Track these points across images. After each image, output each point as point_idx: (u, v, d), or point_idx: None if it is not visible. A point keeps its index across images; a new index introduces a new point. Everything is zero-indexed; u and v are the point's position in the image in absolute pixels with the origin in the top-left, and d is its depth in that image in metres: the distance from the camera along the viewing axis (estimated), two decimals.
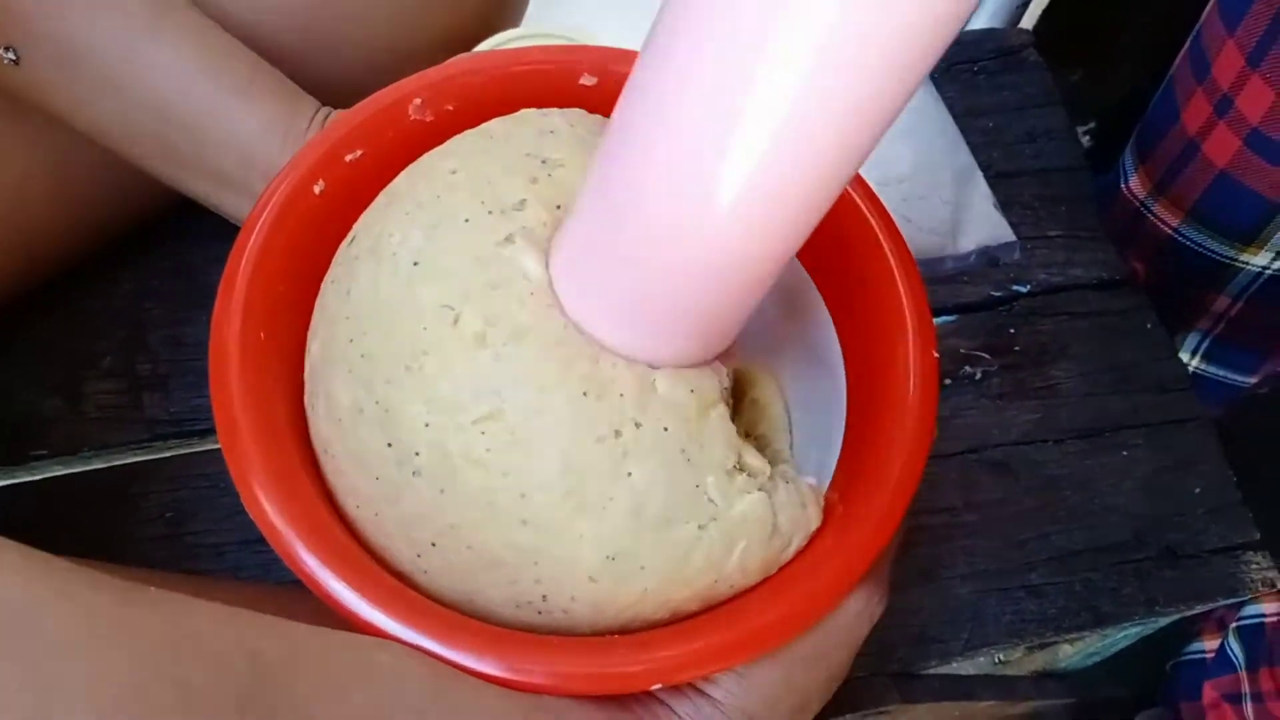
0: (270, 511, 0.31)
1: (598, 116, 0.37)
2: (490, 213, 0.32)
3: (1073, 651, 0.63)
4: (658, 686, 0.31)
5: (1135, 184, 0.64)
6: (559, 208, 0.32)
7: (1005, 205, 0.62)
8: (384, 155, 0.37)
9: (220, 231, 0.56)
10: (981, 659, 0.61)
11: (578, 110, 0.36)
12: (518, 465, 0.30)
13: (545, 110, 0.36)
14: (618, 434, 0.30)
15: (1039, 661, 0.65)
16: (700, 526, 0.31)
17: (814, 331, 0.40)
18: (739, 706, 0.33)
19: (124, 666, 0.23)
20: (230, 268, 0.35)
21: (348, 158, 0.37)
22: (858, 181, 0.38)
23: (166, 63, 0.44)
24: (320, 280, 0.36)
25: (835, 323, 0.40)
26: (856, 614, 0.34)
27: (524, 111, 0.36)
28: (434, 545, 0.31)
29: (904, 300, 0.36)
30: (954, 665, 0.54)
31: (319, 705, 0.26)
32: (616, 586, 0.31)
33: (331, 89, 0.48)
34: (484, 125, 0.36)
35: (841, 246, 0.38)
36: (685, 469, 0.31)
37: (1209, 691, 0.74)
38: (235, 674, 0.25)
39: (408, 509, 0.31)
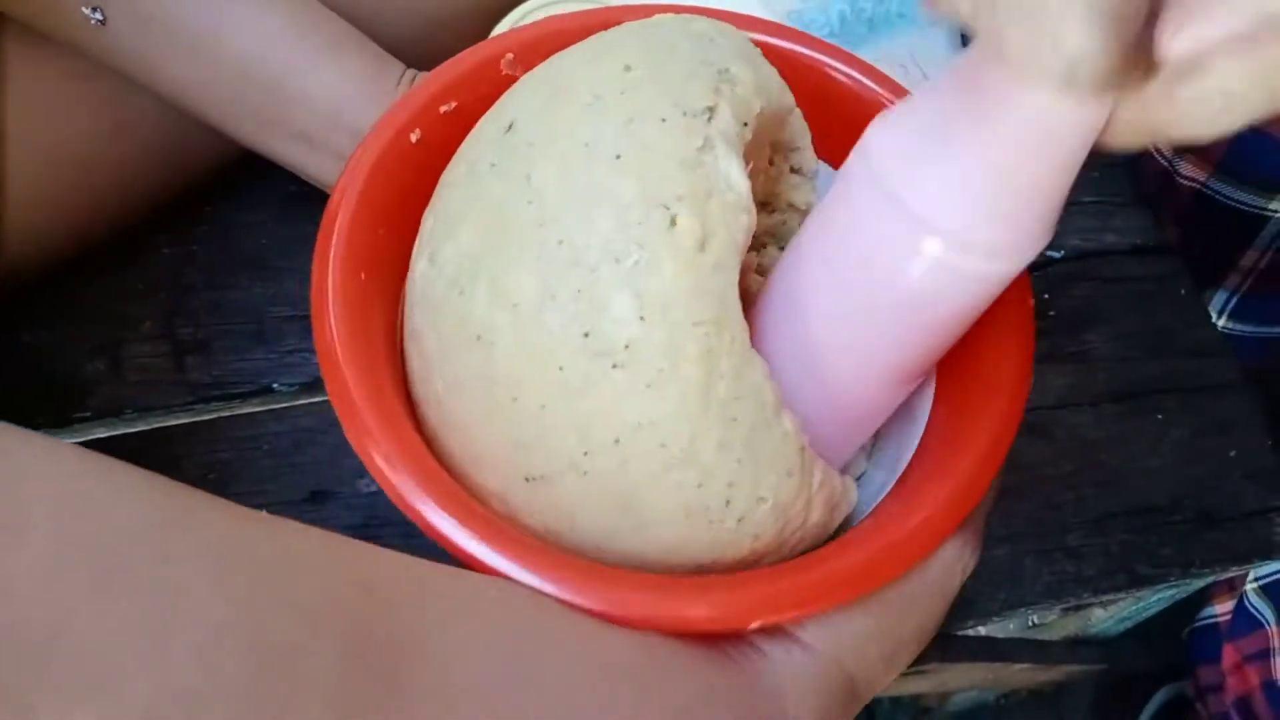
0: (381, 462, 0.31)
1: (729, 26, 0.36)
2: (685, 115, 0.31)
3: (1105, 615, 0.63)
4: (755, 625, 0.31)
5: (1162, 144, 0.64)
6: (745, 124, 0.32)
7: None
8: (476, 107, 0.37)
9: (259, 197, 0.56)
10: (1015, 623, 0.62)
11: (708, 18, 0.36)
12: (736, 370, 0.30)
13: (686, 15, 0.36)
14: None
15: (1071, 626, 0.65)
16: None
17: None
18: (829, 652, 0.33)
19: (241, 586, 0.23)
20: (330, 209, 0.35)
21: (442, 109, 0.38)
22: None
23: (252, 23, 0.44)
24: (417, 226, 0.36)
25: None
26: (949, 564, 0.34)
27: (660, 17, 0.36)
28: (618, 442, 0.30)
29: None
30: (988, 628, 0.55)
31: (435, 630, 0.26)
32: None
33: None
34: (628, 24, 0.35)
35: None
36: None
37: (1229, 654, 0.74)
38: (347, 598, 0.25)
39: (595, 403, 0.29)
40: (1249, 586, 0.72)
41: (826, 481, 0.33)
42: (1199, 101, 0.24)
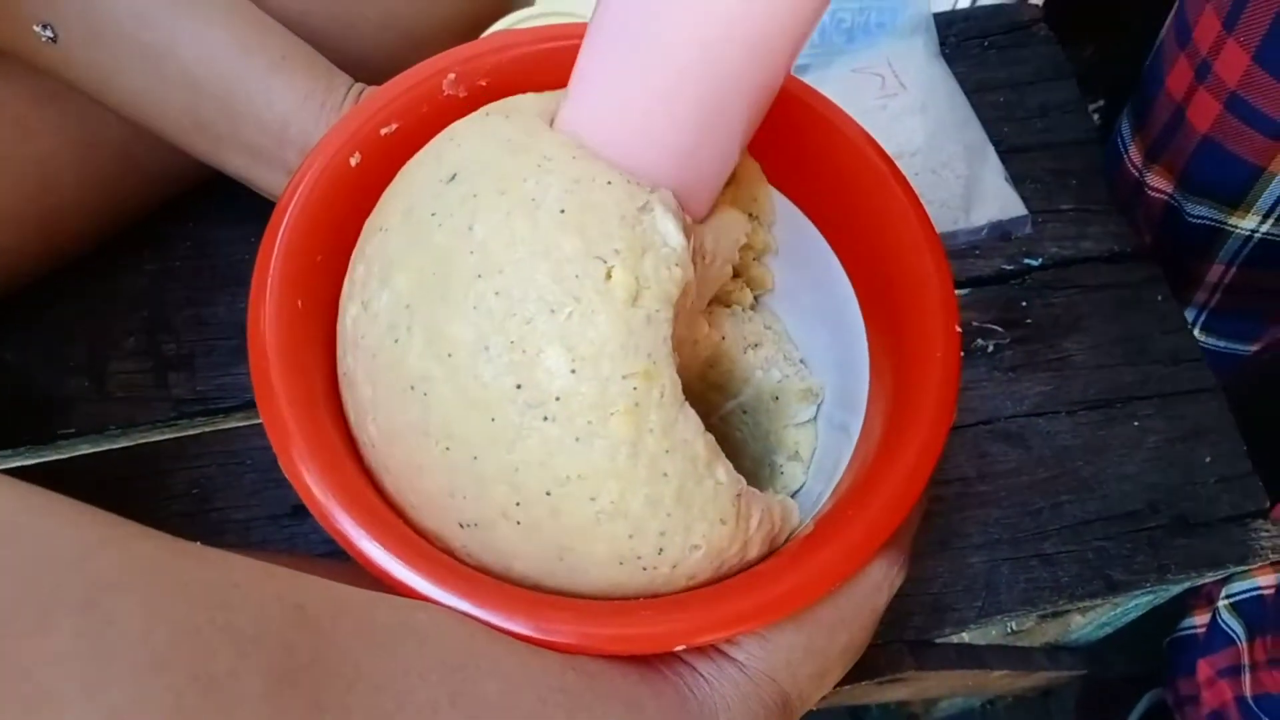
0: (310, 479, 0.32)
1: None
2: (629, 181, 0.32)
3: (1084, 622, 0.64)
4: (681, 648, 0.32)
5: (1133, 154, 0.64)
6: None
7: (1017, 179, 0.62)
8: (418, 129, 0.38)
9: (240, 213, 0.57)
10: (995, 630, 0.62)
11: None
12: (665, 425, 0.31)
13: None
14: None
15: (1051, 633, 0.65)
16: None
17: (834, 298, 0.41)
18: (761, 669, 0.34)
19: (177, 609, 0.23)
20: (268, 237, 0.36)
21: (383, 131, 0.38)
22: (882, 155, 0.39)
23: (201, 39, 0.44)
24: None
25: (857, 292, 0.40)
26: (877, 582, 0.35)
27: None
28: (548, 494, 0.30)
29: (929, 274, 0.37)
30: (968, 635, 0.55)
31: (364, 656, 0.27)
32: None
33: (349, 68, 0.49)
34: None
35: (865, 215, 0.39)
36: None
37: (1204, 668, 0.74)
38: (282, 623, 0.26)
39: (526, 455, 0.30)
40: (1221, 603, 0.73)
41: (766, 520, 0.34)
42: None
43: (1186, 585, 0.57)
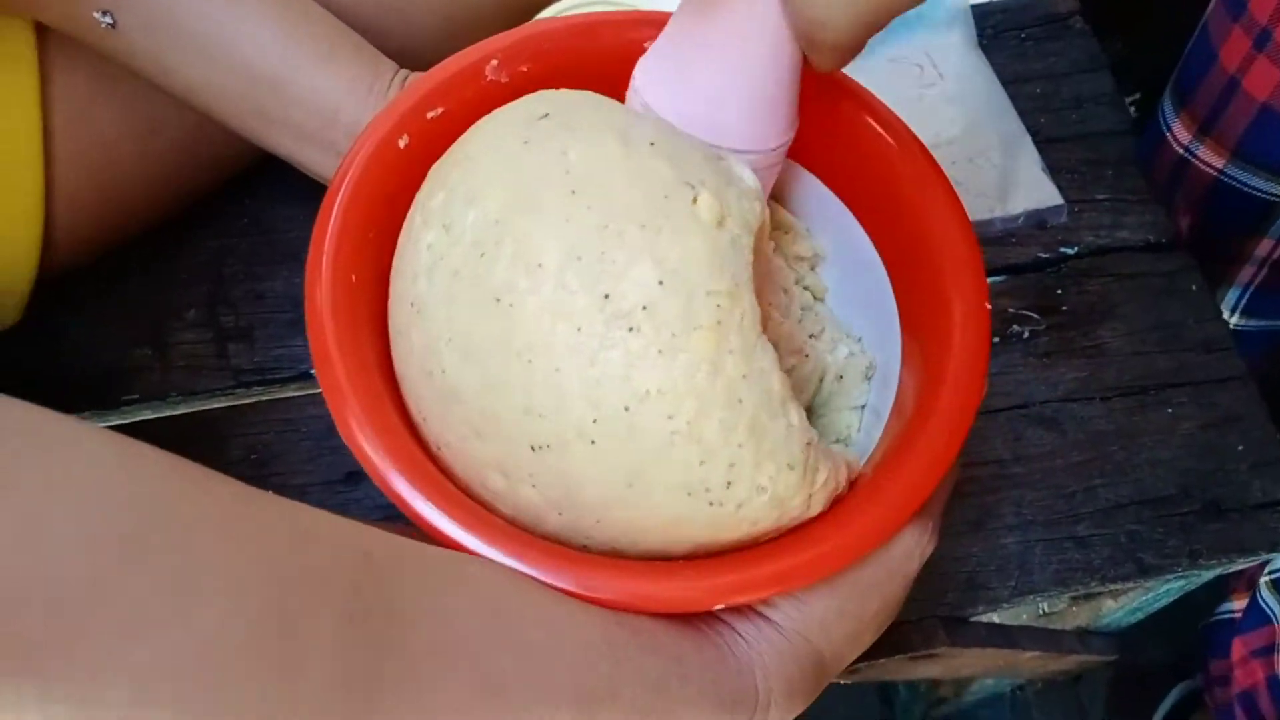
0: (366, 444, 0.34)
1: None
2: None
3: (1116, 606, 0.65)
4: (720, 607, 0.33)
5: (1178, 130, 0.64)
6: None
7: (1053, 169, 0.63)
8: (463, 112, 0.39)
9: (295, 192, 0.59)
10: (1026, 612, 0.63)
11: None
12: (745, 349, 0.32)
13: None
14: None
15: (1083, 616, 0.66)
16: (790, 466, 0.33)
17: (870, 281, 0.42)
18: (796, 629, 0.35)
19: (257, 547, 0.25)
20: (322, 216, 0.37)
21: (429, 114, 0.40)
22: (917, 143, 0.40)
23: (254, 27, 0.46)
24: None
25: (889, 274, 0.41)
26: (908, 549, 0.36)
27: None
28: (627, 409, 0.31)
29: (959, 249, 0.38)
30: (1000, 616, 0.56)
31: (423, 599, 0.29)
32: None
33: (393, 55, 0.50)
34: None
35: (899, 202, 0.40)
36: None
37: (1238, 648, 0.75)
38: (351, 566, 0.27)
39: (608, 369, 0.31)
40: (1262, 580, 0.73)
41: (831, 478, 0.35)
42: None
43: (1218, 571, 0.58)
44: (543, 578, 0.32)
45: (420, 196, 0.37)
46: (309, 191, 0.58)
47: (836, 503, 0.35)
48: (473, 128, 0.37)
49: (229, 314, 0.55)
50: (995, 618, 0.61)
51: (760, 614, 0.36)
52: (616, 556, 0.34)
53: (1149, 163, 0.65)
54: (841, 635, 0.36)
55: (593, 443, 0.31)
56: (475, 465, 0.34)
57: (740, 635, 0.35)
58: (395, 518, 0.33)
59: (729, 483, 0.32)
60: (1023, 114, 0.64)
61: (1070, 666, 0.69)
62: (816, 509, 0.35)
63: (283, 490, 0.50)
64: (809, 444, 0.33)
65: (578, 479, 0.32)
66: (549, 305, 0.31)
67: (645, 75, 0.36)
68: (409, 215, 0.37)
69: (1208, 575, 0.60)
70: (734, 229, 0.32)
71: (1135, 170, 0.64)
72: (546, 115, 0.34)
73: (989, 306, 0.37)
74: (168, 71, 0.48)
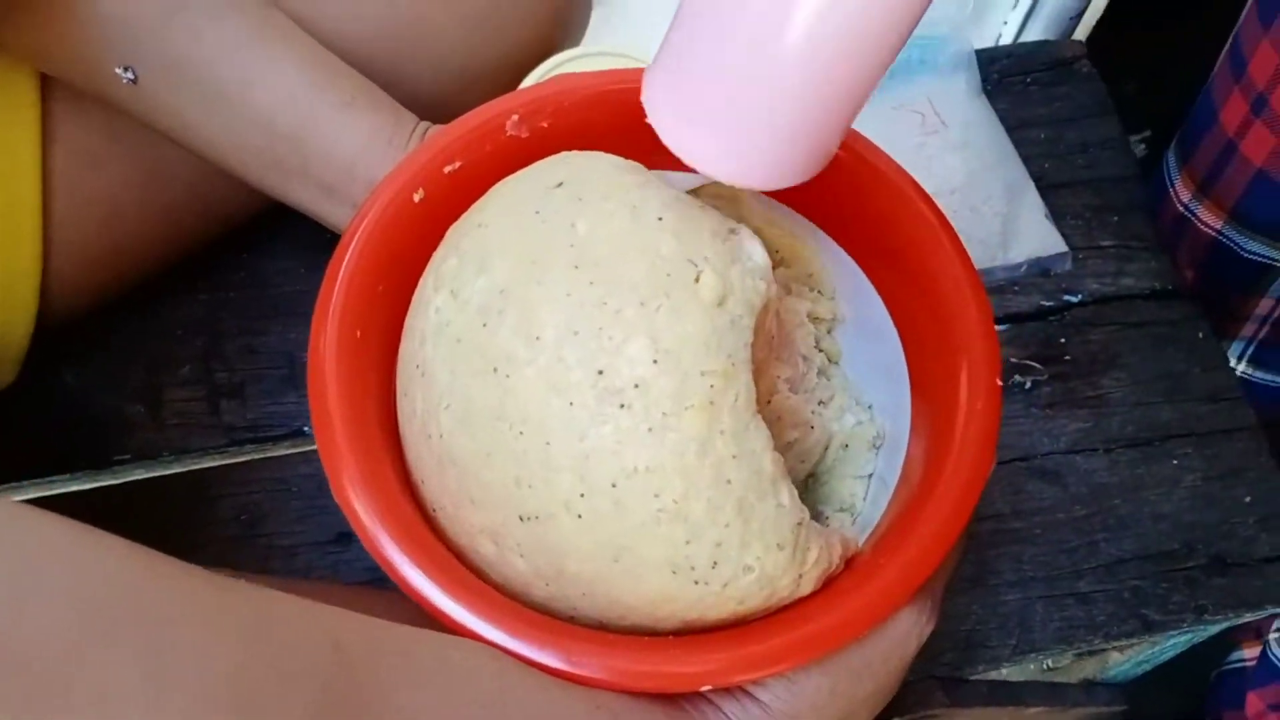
0: (359, 506, 0.33)
1: None
2: (717, 206, 0.35)
3: (1122, 659, 0.64)
4: (707, 688, 0.33)
5: (1180, 187, 0.64)
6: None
7: (1057, 215, 0.62)
8: (481, 167, 0.39)
9: (293, 245, 0.59)
10: (1031, 665, 0.62)
11: None
12: (737, 431, 0.32)
13: None
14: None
15: (1088, 669, 0.65)
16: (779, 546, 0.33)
17: (881, 343, 0.41)
18: (785, 711, 0.34)
19: (226, 645, 0.25)
20: (332, 267, 0.37)
21: (447, 169, 0.39)
22: (924, 198, 0.40)
23: (274, 80, 0.46)
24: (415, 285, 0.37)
25: (901, 337, 0.41)
26: (906, 630, 0.35)
27: None
28: (614, 485, 0.31)
29: (972, 320, 0.37)
30: (1003, 672, 0.55)
31: (399, 693, 0.28)
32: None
33: (410, 107, 0.50)
34: None
35: (912, 268, 0.39)
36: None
37: (1254, 702, 0.73)
38: (323, 660, 0.27)
39: (598, 443, 0.31)
40: (1272, 636, 0.72)
41: (823, 557, 0.34)
42: None
43: (1225, 626, 0.57)
44: (527, 653, 0.31)
45: (435, 259, 0.37)
46: (307, 244, 0.59)
47: (831, 581, 0.35)
48: (490, 192, 0.37)
49: (222, 370, 0.55)
50: (1003, 672, 0.60)
51: (749, 694, 0.35)
52: (602, 628, 0.34)
53: (1156, 213, 0.65)
54: (833, 718, 0.35)
55: (579, 516, 0.31)
56: (468, 531, 0.34)
57: (726, 717, 0.35)
58: (385, 581, 0.33)
59: (715, 562, 0.32)
60: (1027, 159, 0.64)
61: (1078, 719, 0.68)
62: (807, 588, 0.34)
63: (273, 550, 0.50)
64: (799, 524, 0.33)
65: (564, 551, 0.32)
66: (544, 378, 0.31)
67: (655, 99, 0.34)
68: (423, 277, 0.37)
69: (1215, 630, 0.59)
70: (735, 309, 0.32)
71: (1141, 217, 0.63)
72: (560, 184, 0.34)
73: (1000, 382, 0.37)
74: (187, 126, 0.47)
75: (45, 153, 0.50)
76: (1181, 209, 0.64)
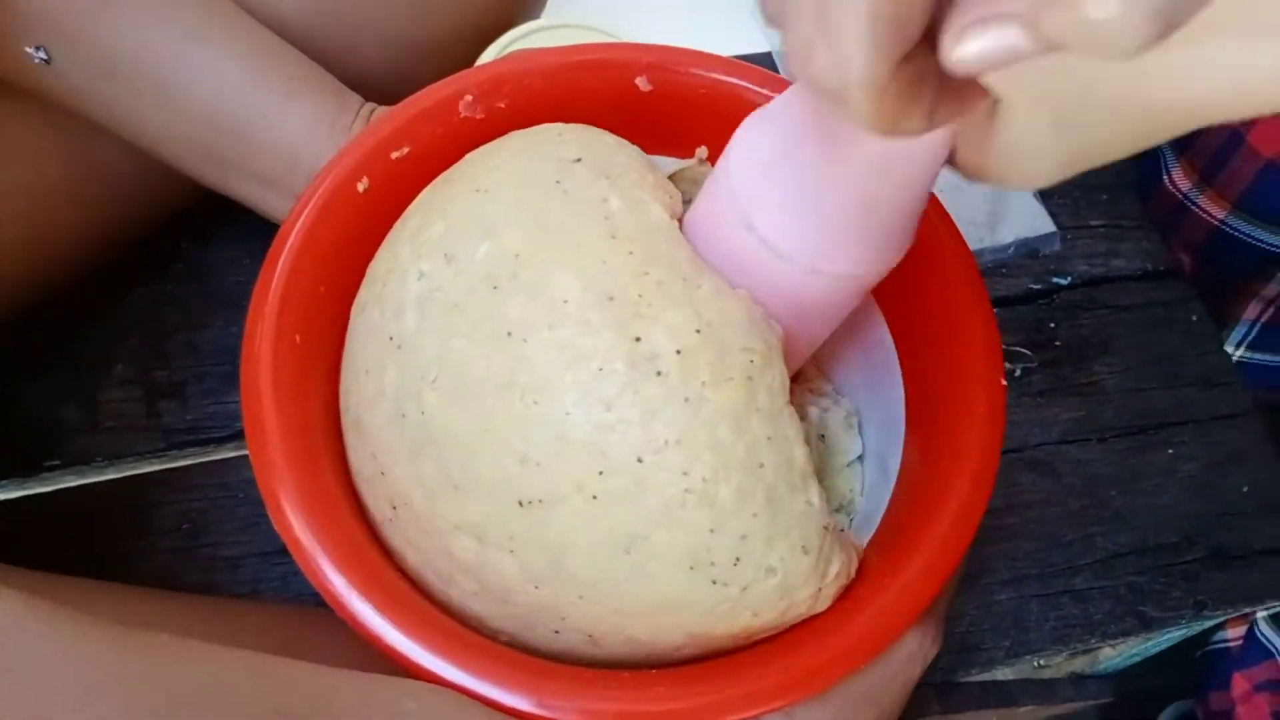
0: (297, 526, 0.30)
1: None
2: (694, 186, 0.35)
3: (1114, 654, 0.61)
4: None
5: (1178, 177, 0.62)
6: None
7: (1045, 194, 0.60)
8: (431, 152, 0.36)
9: (236, 233, 0.55)
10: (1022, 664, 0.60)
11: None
12: (772, 413, 0.30)
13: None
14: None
15: (1079, 664, 0.63)
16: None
17: (872, 347, 0.39)
18: None
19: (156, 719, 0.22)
20: (267, 268, 0.34)
21: (394, 155, 0.36)
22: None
23: (213, 68, 0.42)
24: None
25: (891, 331, 0.38)
26: (910, 655, 0.33)
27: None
28: (640, 460, 0.28)
29: (972, 316, 0.35)
30: (995, 672, 0.53)
31: None
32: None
33: (354, 85, 0.47)
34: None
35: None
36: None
37: (1240, 682, 0.72)
38: None
39: (627, 413, 0.28)
40: (1260, 614, 0.70)
41: (843, 573, 0.31)
42: (1009, 144, 0.23)
43: (1222, 619, 0.55)
44: (495, 696, 0.28)
45: (407, 229, 0.34)
46: (250, 232, 0.55)
47: (830, 609, 0.32)
48: (474, 161, 0.34)
49: (161, 368, 0.51)
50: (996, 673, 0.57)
51: None
52: (590, 646, 0.31)
53: (1147, 193, 0.62)
54: None
55: (594, 498, 0.28)
56: (441, 528, 0.30)
57: None
58: None
59: (737, 559, 0.29)
60: None
61: (1064, 711, 0.66)
62: (823, 605, 0.32)
63: (217, 561, 0.47)
64: (826, 528, 0.30)
65: (567, 543, 0.29)
66: (568, 342, 0.28)
67: (740, 170, 0.31)
68: (388, 249, 0.34)
69: (1212, 623, 0.57)
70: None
71: (1132, 195, 0.61)
72: (579, 160, 0.32)
73: (1004, 383, 0.34)
74: (119, 117, 0.44)
75: None
76: (1180, 198, 0.61)
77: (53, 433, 0.49)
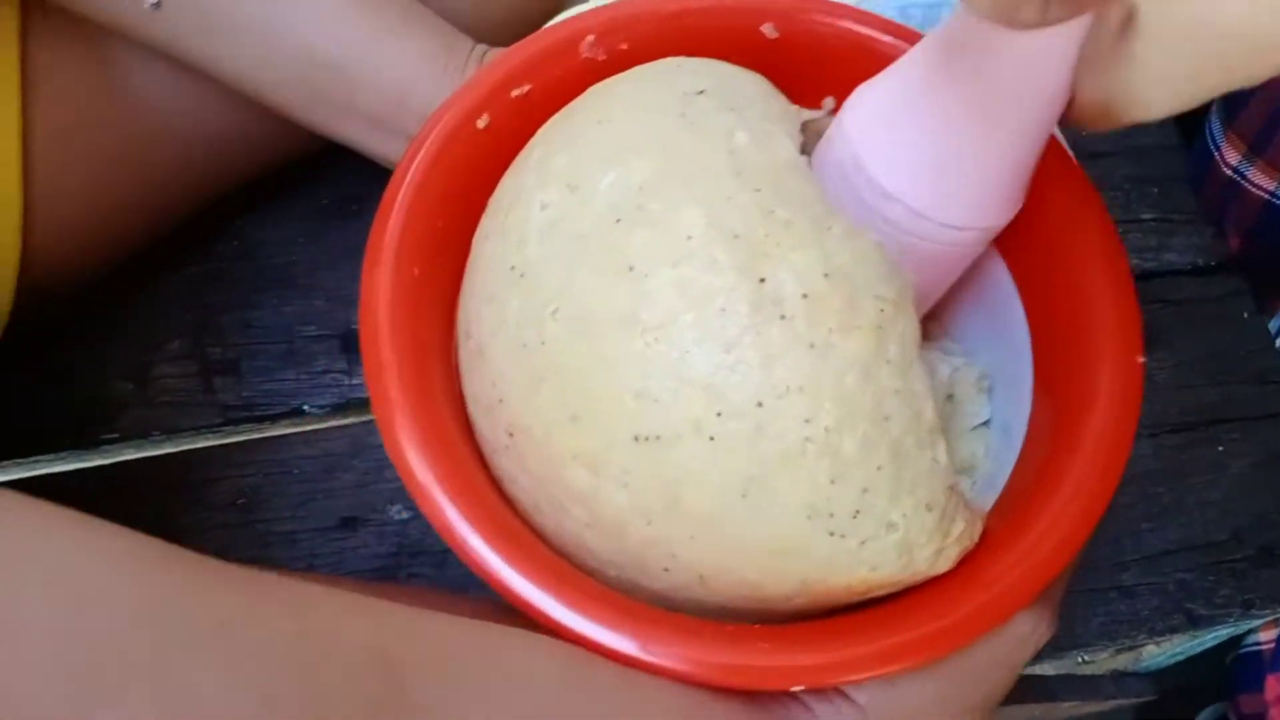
0: (417, 467, 0.30)
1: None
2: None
3: (1158, 651, 0.61)
4: (799, 689, 0.30)
5: (1227, 150, 0.61)
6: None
7: (1096, 187, 0.59)
8: (552, 92, 0.36)
9: (289, 213, 0.55)
10: (1067, 660, 0.60)
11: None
12: (901, 364, 0.30)
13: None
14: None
15: (1122, 661, 0.63)
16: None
17: (999, 311, 0.38)
18: (883, 716, 0.31)
19: (254, 670, 0.22)
20: (387, 199, 0.34)
21: (514, 93, 0.36)
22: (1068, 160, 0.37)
23: (315, 6, 0.42)
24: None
25: (1021, 295, 0.38)
26: (1022, 636, 0.32)
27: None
28: (760, 405, 0.28)
29: (1107, 291, 0.34)
30: (1039, 667, 0.53)
31: (449, 704, 0.25)
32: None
33: (465, 28, 0.46)
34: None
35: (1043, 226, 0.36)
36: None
37: (1273, 685, 0.72)
38: (365, 674, 0.24)
39: (749, 354, 0.28)
40: None
41: (966, 535, 0.31)
42: (1140, 62, 0.24)
43: (1270, 619, 0.54)
44: (600, 638, 0.28)
45: (530, 160, 0.33)
46: (304, 212, 0.55)
47: (948, 577, 0.31)
48: (593, 93, 0.34)
49: (215, 345, 0.51)
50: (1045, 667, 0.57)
51: (844, 694, 0.31)
52: (700, 586, 0.30)
53: (1199, 181, 0.62)
54: None
55: (711, 439, 0.28)
56: (557, 457, 0.30)
57: (815, 717, 0.31)
58: (395, 572, 0.30)
59: (857, 511, 0.28)
60: (1063, 127, 0.60)
61: (1105, 708, 0.66)
62: (944, 566, 0.31)
63: (271, 537, 0.47)
64: (952, 488, 0.30)
65: (683, 480, 0.28)
66: (692, 280, 0.28)
67: (858, 121, 0.31)
68: (509, 177, 0.34)
69: (1259, 623, 0.56)
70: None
71: (1184, 187, 0.60)
72: (702, 92, 0.31)
73: (1142, 360, 0.33)
74: (218, 59, 0.44)
75: (25, 129, 0.46)
76: (1230, 172, 0.61)
77: (110, 407, 0.50)
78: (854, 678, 0.29)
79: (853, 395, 0.28)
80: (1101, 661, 0.61)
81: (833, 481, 0.28)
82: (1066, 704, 0.58)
